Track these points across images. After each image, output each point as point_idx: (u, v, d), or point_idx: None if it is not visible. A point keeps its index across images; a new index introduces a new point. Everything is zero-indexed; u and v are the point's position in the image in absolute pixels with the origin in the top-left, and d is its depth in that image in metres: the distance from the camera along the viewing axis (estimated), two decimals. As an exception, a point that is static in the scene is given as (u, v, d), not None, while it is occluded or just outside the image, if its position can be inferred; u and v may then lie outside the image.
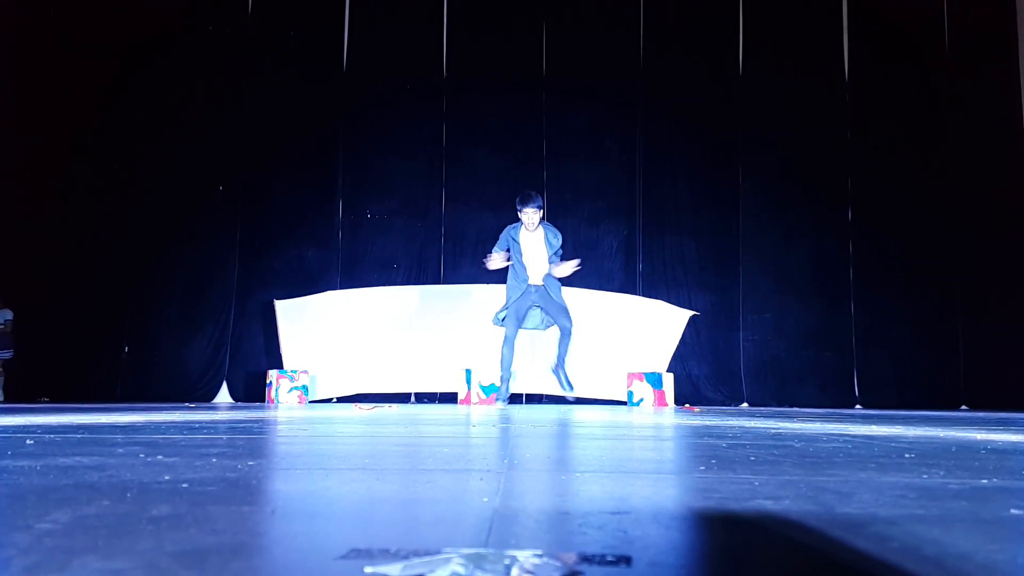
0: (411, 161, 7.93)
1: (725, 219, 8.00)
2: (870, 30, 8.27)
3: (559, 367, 5.85)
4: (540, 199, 5.83)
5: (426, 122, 8.02)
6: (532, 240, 5.79)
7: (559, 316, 5.76)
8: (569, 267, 5.74)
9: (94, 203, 7.61)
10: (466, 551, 0.69)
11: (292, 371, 6.65)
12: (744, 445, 1.99)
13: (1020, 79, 8.22)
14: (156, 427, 2.55)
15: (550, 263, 5.79)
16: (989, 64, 8.23)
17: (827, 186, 8.10)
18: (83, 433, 2.21)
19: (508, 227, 5.87)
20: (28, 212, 7.47)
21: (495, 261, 5.83)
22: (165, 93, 7.83)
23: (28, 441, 1.89)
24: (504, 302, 5.86)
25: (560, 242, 5.84)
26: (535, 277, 5.80)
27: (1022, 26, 8.23)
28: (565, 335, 5.79)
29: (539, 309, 5.83)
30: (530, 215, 5.73)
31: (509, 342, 5.76)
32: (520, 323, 5.80)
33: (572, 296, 6.91)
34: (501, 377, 5.81)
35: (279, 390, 6.56)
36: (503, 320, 5.84)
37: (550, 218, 7.80)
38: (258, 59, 8.00)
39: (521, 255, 5.77)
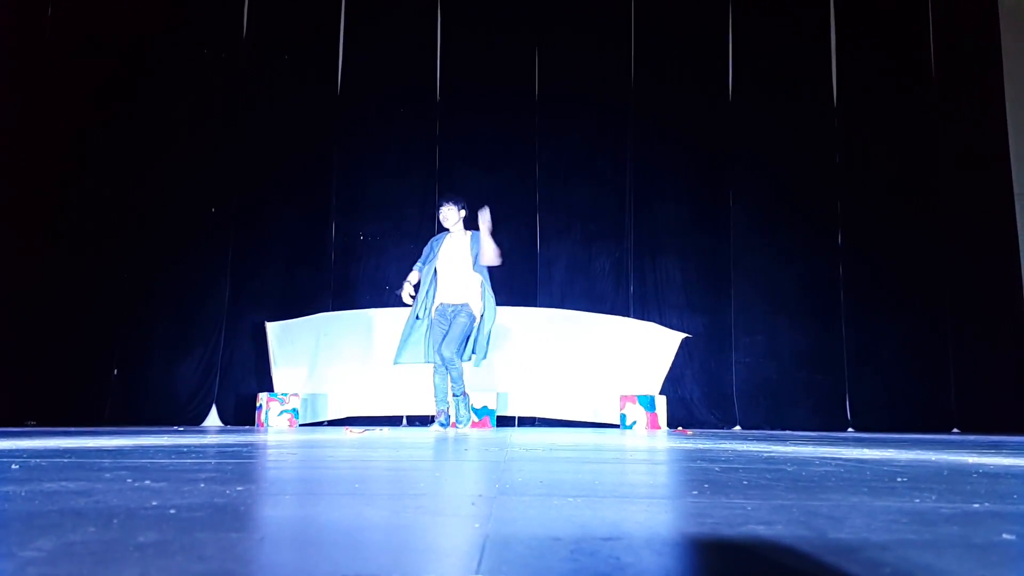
0: (404, 182, 7.95)
1: (716, 240, 8.04)
2: (858, 55, 8.39)
3: (448, 400, 4.96)
4: (461, 200, 5.09)
5: (419, 144, 8.06)
6: (453, 249, 5.02)
7: (450, 344, 4.76)
8: (484, 220, 4.90)
9: (84, 224, 7.58)
10: (456, 579, 0.68)
11: (282, 394, 6.60)
12: (737, 469, 1.98)
13: (1006, 102, 8.34)
14: (144, 451, 2.53)
15: (475, 268, 4.95)
16: (976, 88, 8.36)
17: (817, 208, 8.16)
18: (70, 457, 2.19)
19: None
20: (16, 234, 7.43)
21: (407, 290, 4.94)
22: (158, 115, 7.84)
23: (13, 466, 1.86)
24: (409, 330, 4.92)
25: (477, 250, 5.00)
26: (452, 295, 4.93)
27: (1007, 51, 8.38)
28: (451, 368, 4.83)
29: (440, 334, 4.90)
30: (443, 213, 5.01)
31: (440, 370, 4.94)
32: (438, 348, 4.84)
33: (564, 318, 6.92)
34: (453, 404, 5.01)
35: (269, 413, 6.51)
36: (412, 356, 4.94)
37: (543, 239, 7.83)
38: (252, 81, 8.03)
39: (437, 267, 4.96)
